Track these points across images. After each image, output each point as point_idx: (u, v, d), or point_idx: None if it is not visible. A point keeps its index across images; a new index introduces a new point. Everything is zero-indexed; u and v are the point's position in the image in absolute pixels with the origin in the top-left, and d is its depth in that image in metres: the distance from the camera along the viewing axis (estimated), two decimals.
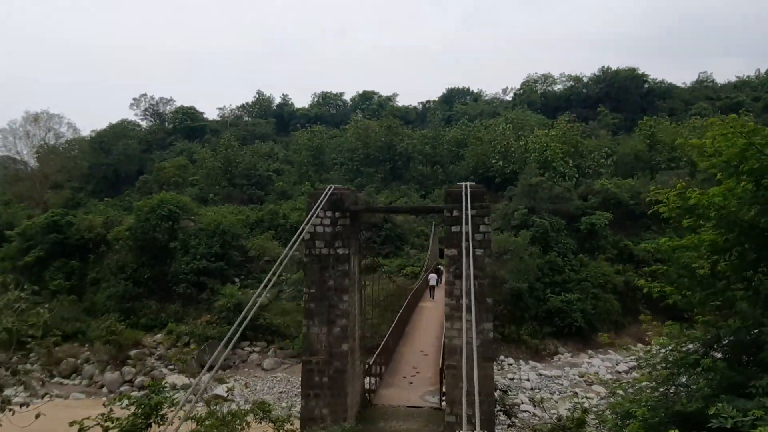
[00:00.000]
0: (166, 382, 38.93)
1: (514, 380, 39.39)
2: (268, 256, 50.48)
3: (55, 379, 41.33)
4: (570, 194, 50.79)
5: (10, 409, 12.29)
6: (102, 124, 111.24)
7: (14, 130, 67.45)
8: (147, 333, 44.48)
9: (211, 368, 31.75)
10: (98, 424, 14.05)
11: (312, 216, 10.97)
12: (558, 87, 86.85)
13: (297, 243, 7.27)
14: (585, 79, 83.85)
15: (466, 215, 10.44)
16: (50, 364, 42.79)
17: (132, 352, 41.56)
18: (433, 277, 31.06)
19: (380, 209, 12.34)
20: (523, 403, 33.05)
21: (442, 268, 42.22)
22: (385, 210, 12.78)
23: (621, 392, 9.05)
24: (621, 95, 78.06)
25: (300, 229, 9.93)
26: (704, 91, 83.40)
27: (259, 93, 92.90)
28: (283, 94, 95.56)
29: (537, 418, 16.85)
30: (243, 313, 7.26)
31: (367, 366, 14.63)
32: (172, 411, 15.08)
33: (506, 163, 56.81)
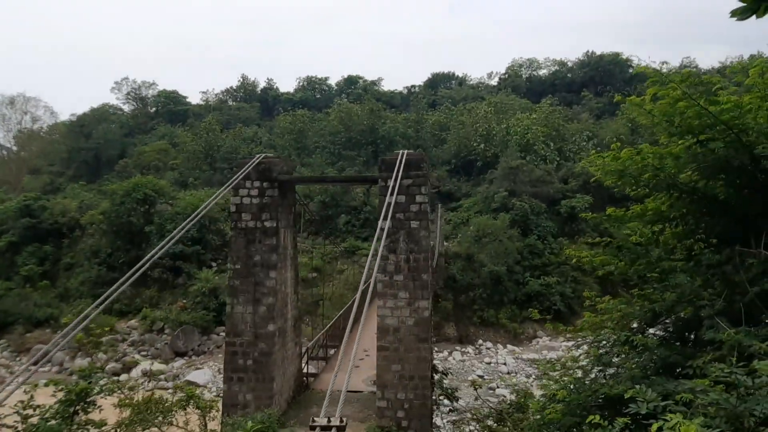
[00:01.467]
0: (143, 368, 38.50)
1: (491, 364, 39.18)
2: None
3: (23, 364, 40.60)
4: (551, 177, 50.30)
5: None
6: (83, 109, 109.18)
7: None
8: (121, 318, 43.78)
9: (183, 354, 31.08)
10: (16, 412, 13.40)
11: (228, 186, 10.20)
12: (543, 71, 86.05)
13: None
14: (570, 64, 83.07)
15: (395, 184, 9.73)
16: (20, 351, 42.18)
17: (104, 338, 40.90)
18: None
19: (310, 179, 11.62)
20: (498, 387, 32.82)
21: None
22: (316, 180, 12.07)
23: (552, 373, 8.50)
24: (605, 80, 77.38)
25: (206, 203, 9.19)
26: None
27: (244, 77, 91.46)
28: (267, 78, 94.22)
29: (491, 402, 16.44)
30: None
31: (306, 349, 14.06)
32: (102, 398, 14.46)
33: (488, 146, 56.19)
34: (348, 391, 13.75)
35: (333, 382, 6.22)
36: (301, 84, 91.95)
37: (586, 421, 6.02)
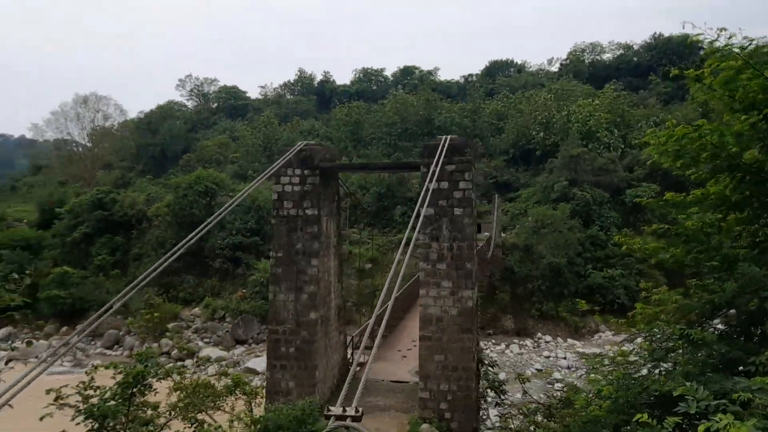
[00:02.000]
0: (205, 355, 39.93)
1: (550, 358, 37.97)
2: None
3: (99, 349, 43.03)
4: (614, 166, 47.99)
5: None
6: (150, 106, 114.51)
7: (65, 112, 70.23)
8: (185, 306, 45.63)
9: (243, 342, 31.82)
10: (78, 392, 14.00)
11: (266, 174, 10.07)
12: (607, 56, 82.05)
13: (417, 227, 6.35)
14: (636, 47, 78.80)
15: (434, 171, 9.29)
16: (94, 335, 44.78)
17: (170, 325, 42.80)
18: None
19: (351, 166, 11.38)
20: (557, 381, 31.73)
21: None
22: (358, 168, 11.83)
23: (601, 368, 7.92)
24: (674, 63, 72.89)
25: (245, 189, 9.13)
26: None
27: (301, 71, 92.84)
28: (324, 72, 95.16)
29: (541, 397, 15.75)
30: None
31: (350, 338, 13.91)
32: (157, 381, 14.91)
33: (547, 134, 54.29)
34: (393, 381, 13.59)
35: (366, 371, 5.95)
36: (357, 76, 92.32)
37: (633, 420, 5.51)
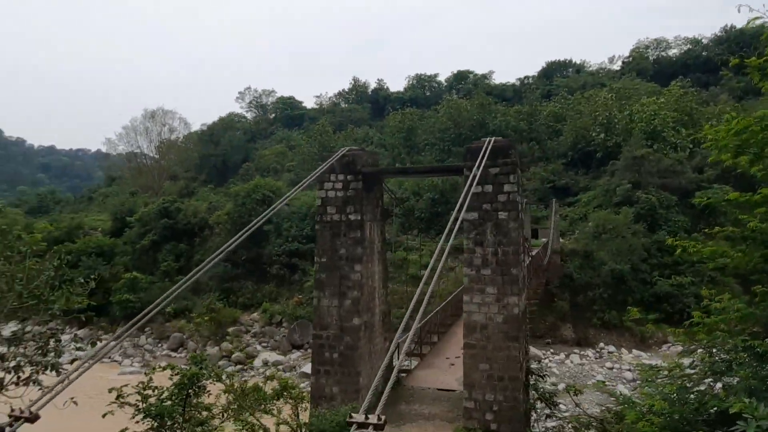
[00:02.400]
0: (262, 359, 40.85)
1: (613, 370, 36.27)
2: None
3: (165, 351, 44.93)
4: (682, 167, 45.49)
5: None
6: (212, 118, 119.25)
7: (135, 126, 74.25)
8: (244, 311, 46.92)
9: (299, 347, 32.32)
10: (138, 392, 14.56)
11: (308, 181, 10.06)
12: (673, 52, 77.99)
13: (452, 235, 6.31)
14: (705, 42, 74.49)
15: (478, 173, 9.01)
16: (161, 338, 46.93)
17: (230, 329, 44.12)
18: None
19: (394, 170, 11.19)
20: (622, 394, 30.26)
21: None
22: (400, 171, 11.66)
23: (657, 380, 7.38)
24: (748, 57, 68.21)
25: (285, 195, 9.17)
26: None
27: (355, 79, 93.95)
28: (378, 79, 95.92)
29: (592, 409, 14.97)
30: None
31: (396, 344, 13.67)
32: (210, 383, 15.30)
33: (608, 135, 52.20)
34: (439, 390, 13.31)
35: (393, 378, 5.75)
36: (410, 82, 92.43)
37: None
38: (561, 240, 44.96)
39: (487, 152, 9.91)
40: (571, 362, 36.57)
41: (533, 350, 37.79)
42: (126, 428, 14.46)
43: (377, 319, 12.03)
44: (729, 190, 41.77)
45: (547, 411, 10.71)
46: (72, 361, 13.29)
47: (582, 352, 38.37)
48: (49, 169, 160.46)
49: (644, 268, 40.93)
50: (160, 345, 47.07)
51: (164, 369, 17.34)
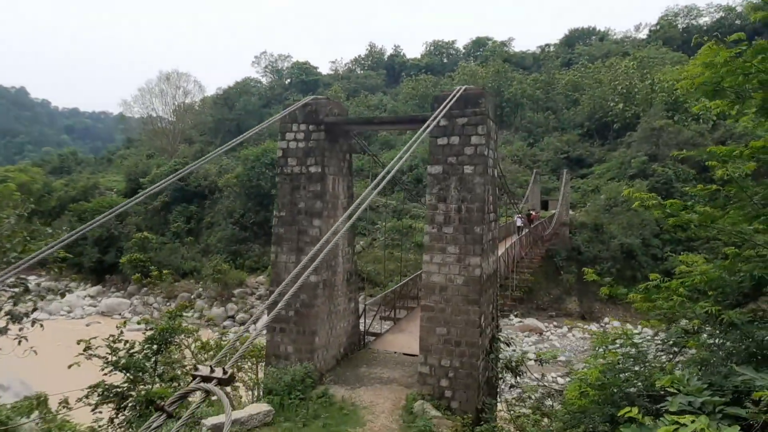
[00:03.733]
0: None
1: (616, 343, 35.73)
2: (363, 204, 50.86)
3: (190, 314, 45.86)
4: (703, 139, 43.68)
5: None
6: (227, 83, 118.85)
7: (150, 89, 74.17)
8: (251, 274, 47.25)
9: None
10: (108, 345, 14.51)
11: (254, 131, 9.55)
12: (704, 20, 74.39)
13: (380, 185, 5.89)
14: (739, 9, 70.73)
15: (439, 121, 8.34)
16: (170, 297, 47.79)
17: (236, 291, 44.57)
18: (518, 219, 29.77)
19: (357, 120, 10.48)
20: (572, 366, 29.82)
21: (533, 212, 39.07)
22: (364, 123, 10.90)
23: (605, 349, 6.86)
24: None
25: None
26: None
27: (371, 45, 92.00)
28: (394, 46, 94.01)
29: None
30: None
31: (364, 307, 13.34)
32: (183, 339, 15.20)
33: (627, 105, 50.32)
34: (405, 354, 12.99)
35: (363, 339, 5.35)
36: (428, 49, 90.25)
37: (619, 413, 4.57)
38: (571, 212, 43.95)
39: (454, 101, 9.22)
40: (573, 336, 36.13)
41: (534, 322, 37.43)
42: (103, 381, 14.54)
43: (340, 278, 11.60)
44: (752, 165, 40.27)
45: (512, 381, 10.30)
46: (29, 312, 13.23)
47: (586, 326, 37.84)
48: (72, 131, 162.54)
49: (655, 243, 39.88)
50: (168, 303, 47.90)
51: (139, 323, 17.31)
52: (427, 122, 7.95)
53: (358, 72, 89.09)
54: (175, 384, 14.39)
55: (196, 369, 3.70)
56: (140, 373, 14.47)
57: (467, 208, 9.45)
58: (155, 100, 75.14)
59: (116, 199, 58.87)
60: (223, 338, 14.10)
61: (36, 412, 12.81)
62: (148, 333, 15.24)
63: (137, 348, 14.67)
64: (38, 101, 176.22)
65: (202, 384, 3.67)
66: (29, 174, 65.85)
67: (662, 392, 5.62)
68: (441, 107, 8.70)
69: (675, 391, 4.65)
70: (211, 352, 15.21)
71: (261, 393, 10.15)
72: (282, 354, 10.58)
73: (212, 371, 3.57)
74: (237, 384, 11.71)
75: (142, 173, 61.56)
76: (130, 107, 79.32)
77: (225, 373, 3.54)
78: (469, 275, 9.42)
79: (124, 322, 16.22)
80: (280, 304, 3.84)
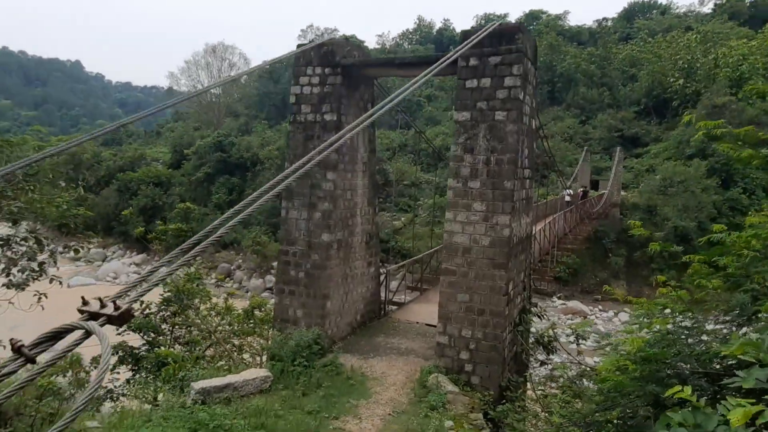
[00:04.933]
0: None
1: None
2: (407, 180, 49.82)
3: (213, 280, 46.43)
4: None
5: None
6: (273, 56, 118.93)
7: (197, 61, 74.87)
8: None
9: None
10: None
11: (274, 61, 8.66)
12: None
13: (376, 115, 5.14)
14: None
15: (468, 62, 7.10)
16: (210, 267, 48.60)
17: (275, 263, 44.59)
18: (566, 193, 28.33)
19: (377, 61, 9.41)
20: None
21: (582, 191, 37.08)
22: (384, 63, 9.80)
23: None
24: None
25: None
26: None
27: (420, 19, 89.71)
28: (443, 19, 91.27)
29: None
30: None
31: (385, 273, 12.34)
32: (199, 302, 14.72)
33: (688, 81, 46.93)
34: (428, 325, 12.01)
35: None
36: (478, 22, 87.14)
37: (666, 394, 3.46)
38: (623, 193, 41.62)
39: (486, 37, 7.98)
40: (619, 320, 34.29)
41: (578, 305, 35.72)
42: (124, 341, 14.26)
43: (358, 239, 10.65)
44: None
45: (543, 358, 9.18)
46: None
47: (633, 311, 35.88)
48: (125, 105, 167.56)
49: (713, 228, 37.22)
50: (209, 274, 48.71)
51: (157, 284, 16.91)
52: (450, 56, 6.80)
53: (406, 46, 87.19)
54: (190, 348, 14.01)
55: (85, 302, 2.78)
56: (156, 335, 14.18)
57: (497, 160, 8.29)
58: (201, 73, 75.92)
59: (161, 170, 60.01)
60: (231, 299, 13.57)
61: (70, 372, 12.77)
62: (166, 294, 14.94)
63: (153, 309, 14.37)
64: (92, 75, 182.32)
65: (81, 321, 2.77)
66: (80, 145, 67.85)
67: (722, 371, 4.48)
68: (469, 40, 7.50)
69: (750, 360, 3.48)
70: (228, 318, 14.77)
71: (267, 360, 9.44)
72: (290, 318, 9.81)
73: (103, 306, 2.66)
74: (244, 349, 11.09)
75: (187, 144, 62.48)
76: (177, 80, 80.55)
77: (117, 309, 2.63)
78: (496, 236, 8.29)
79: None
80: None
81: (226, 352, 11.67)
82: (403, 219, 46.62)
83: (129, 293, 2.85)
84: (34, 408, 7.48)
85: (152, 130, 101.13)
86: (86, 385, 11.99)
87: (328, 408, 7.12)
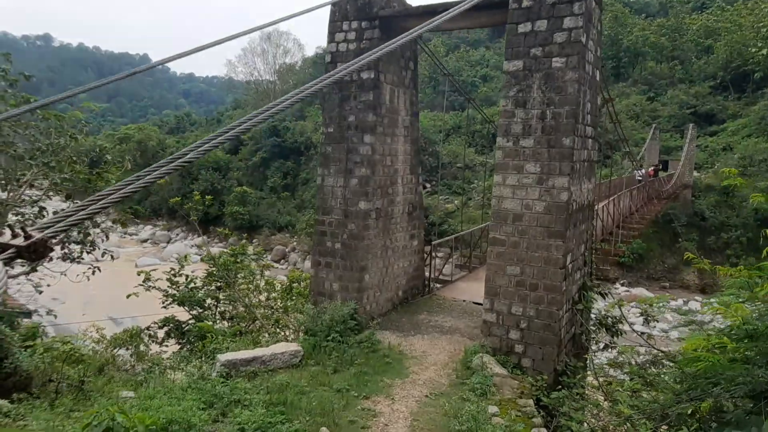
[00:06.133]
0: None
1: None
2: (460, 162, 48.64)
3: (268, 261, 47.26)
4: None
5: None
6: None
7: (253, 48, 75.89)
8: None
9: None
10: (168, 278, 14.11)
11: (303, 12, 7.91)
12: None
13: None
14: None
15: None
16: (266, 249, 49.50)
17: None
18: (638, 174, 26.68)
19: (416, 11, 8.49)
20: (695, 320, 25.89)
21: (653, 169, 34.66)
22: (425, 12, 8.82)
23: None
24: None
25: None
26: None
27: None
28: None
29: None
30: None
31: (430, 247, 11.44)
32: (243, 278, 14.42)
33: None
34: (476, 303, 11.09)
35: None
36: None
37: None
38: (695, 173, 38.65)
39: None
40: (690, 309, 31.87)
41: (644, 292, 33.53)
42: (173, 315, 14.24)
43: (399, 209, 9.81)
44: None
45: (608, 340, 8.10)
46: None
47: (705, 300, 33.33)
48: (188, 95, 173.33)
49: None
50: (265, 255, 49.58)
51: (202, 259, 16.84)
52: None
53: None
54: (232, 324, 13.81)
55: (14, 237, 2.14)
56: (202, 310, 14.11)
57: (554, 113, 7.22)
58: (257, 60, 76.90)
59: (220, 156, 61.48)
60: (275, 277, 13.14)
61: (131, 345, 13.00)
62: (210, 270, 14.83)
63: (198, 284, 14.28)
64: (158, 67, 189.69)
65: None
66: (146, 132, 70.71)
67: None
68: None
69: None
70: (272, 294, 14.45)
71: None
72: (327, 292, 9.17)
73: (14, 235, 2.01)
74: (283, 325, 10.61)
75: (244, 130, 63.85)
76: (234, 67, 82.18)
77: (27, 238, 1.97)
78: (552, 201, 7.26)
79: (186, 257, 15.87)
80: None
81: (265, 328, 11.26)
82: (455, 202, 45.51)
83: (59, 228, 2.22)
84: (59, 373, 7.24)
85: (213, 117, 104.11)
86: (146, 357, 12.05)
87: (359, 386, 6.46)
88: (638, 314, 8.25)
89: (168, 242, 54.25)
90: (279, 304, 12.11)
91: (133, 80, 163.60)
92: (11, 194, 12.41)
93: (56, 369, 7.85)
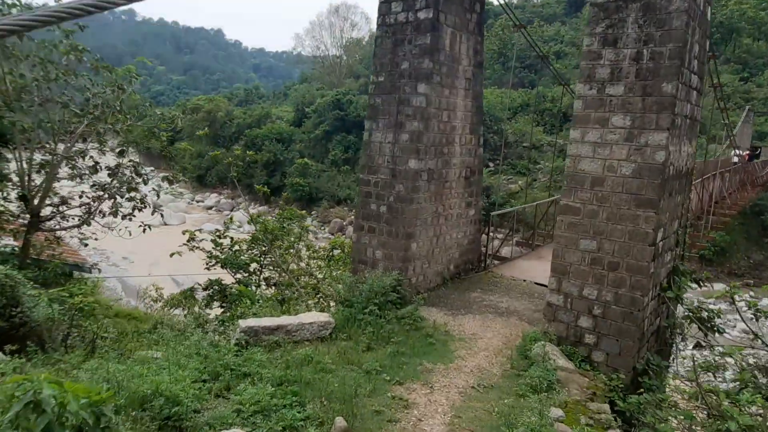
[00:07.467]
0: None
1: None
2: (527, 142, 46.49)
3: (326, 234, 47.62)
4: None
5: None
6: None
7: (321, 21, 75.51)
8: None
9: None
10: (212, 240, 13.68)
11: None
12: None
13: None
14: None
15: None
16: (324, 222, 50.00)
17: None
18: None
19: None
20: None
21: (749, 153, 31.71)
22: None
23: None
24: None
25: None
26: None
27: None
28: None
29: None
30: None
31: (490, 216, 10.14)
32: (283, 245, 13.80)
33: None
34: (536, 284, 9.77)
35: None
36: None
37: None
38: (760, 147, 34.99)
39: None
40: None
41: (722, 287, 30.72)
42: (219, 279, 13.86)
43: (455, 173, 8.56)
44: None
45: (701, 338, 6.64)
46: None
47: None
48: (258, 69, 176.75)
49: None
50: (323, 228, 50.30)
51: (249, 222, 16.30)
52: None
53: (535, 1, 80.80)
54: (276, 290, 13.24)
55: None
56: (247, 275, 13.61)
57: (653, 53, 5.72)
58: (324, 33, 76.54)
59: (284, 127, 62.17)
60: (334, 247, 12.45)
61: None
62: (255, 233, 14.28)
63: (244, 246, 13.78)
64: (231, 42, 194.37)
65: None
66: (215, 103, 72.49)
67: None
68: None
69: None
70: (319, 263, 13.72)
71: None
72: (368, 260, 8.15)
73: None
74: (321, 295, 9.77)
75: (308, 103, 64.12)
76: (302, 41, 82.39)
77: None
78: (643, 162, 5.80)
79: (231, 218, 15.41)
80: None
81: (305, 296, 10.49)
82: (520, 182, 43.59)
83: None
84: (67, 323, 6.68)
85: (280, 91, 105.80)
86: (200, 318, 11.82)
87: (392, 369, 5.46)
88: (744, 309, 6.73)
89: (232, 210, 55.75)
90: (321, 273, 11.31)
91: (207, 54, 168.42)
92: (65, 146, 12.35)
93: (78, 322, 7.34)
